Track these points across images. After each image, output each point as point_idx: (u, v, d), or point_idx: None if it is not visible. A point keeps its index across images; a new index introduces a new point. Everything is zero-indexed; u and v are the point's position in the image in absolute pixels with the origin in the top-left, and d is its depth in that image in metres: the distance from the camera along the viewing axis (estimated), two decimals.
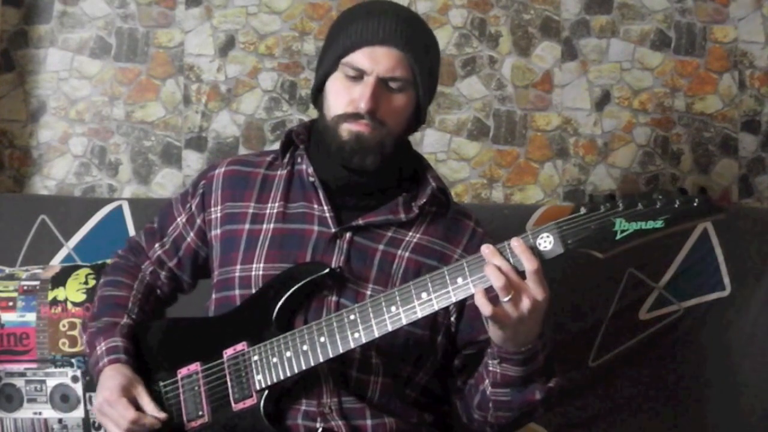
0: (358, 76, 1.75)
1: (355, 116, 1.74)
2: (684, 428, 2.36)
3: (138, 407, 1.75)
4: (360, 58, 1.74)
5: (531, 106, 2.75)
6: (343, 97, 1.76)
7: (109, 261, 2.08)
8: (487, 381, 1.69)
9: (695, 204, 1.49)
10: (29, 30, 2.74)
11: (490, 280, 1.54)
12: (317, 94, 1.84)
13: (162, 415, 1.74)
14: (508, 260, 1.55)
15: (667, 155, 2.75)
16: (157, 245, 1.96)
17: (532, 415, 1.75)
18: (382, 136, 1.75)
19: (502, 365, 1.65)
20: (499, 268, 1.54)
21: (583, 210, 1.54)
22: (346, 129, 1.75)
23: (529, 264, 1.53)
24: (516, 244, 1.55)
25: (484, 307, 1.54)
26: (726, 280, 2.39)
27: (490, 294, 1.55)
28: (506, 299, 1.54)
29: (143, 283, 1.95)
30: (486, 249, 1.56)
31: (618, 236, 1.51)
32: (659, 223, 1.49)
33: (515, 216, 2.46)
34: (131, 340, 1.85)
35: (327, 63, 1.79)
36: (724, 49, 2.75)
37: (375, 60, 1.73)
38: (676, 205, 1.49)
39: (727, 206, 2.69)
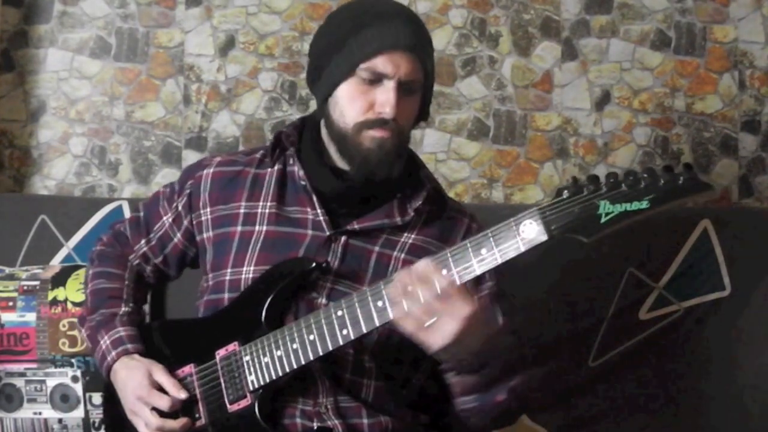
0: (376, 80, 1.70)
1: (378, 122, 1.70)
2: (684, 428, 2.36)
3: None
4: (382, 63, 1.68)
5: (531, 106, 2.75)
6: (361, 102, 1.70)
7: (95, 248, 2.01)
8: (452, 394, 1.72)
9: (680, 181, 1.42)
10: (29, 30, 2.74)
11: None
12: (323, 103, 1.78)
13: (183, 395, 1.73)
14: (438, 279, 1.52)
15: (667, 155, 2.75)
16: (143, 241, 1.92)
17: (508, 415, 1.77)
18: (401, 140, 1.73)
19: (461, 375, 1.67)
20: (413, 294, 1.53)
21: (566, 194, 1.47)
22: (369, 136, 1.70)
23: (442, 282, 1.51)
24: (424, 264, 1.54)
25: (406, 324, 1.54)
26: (726, 280, 2.38)
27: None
28: (430, 323, 1.53)
29: (132, 271, 1.93)
30: (398, 281, 1.55)
31: (603, 219, 1.43)
32: (644, 204, 1.42)
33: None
34: (133, 326, 1.84)
35: (340, 69, 1.71)
36: (724, 49, 2.75)
37: (396, 65, 1.68)
38: (661, 184, 1.42)
39: (727, 207, 2.69)
